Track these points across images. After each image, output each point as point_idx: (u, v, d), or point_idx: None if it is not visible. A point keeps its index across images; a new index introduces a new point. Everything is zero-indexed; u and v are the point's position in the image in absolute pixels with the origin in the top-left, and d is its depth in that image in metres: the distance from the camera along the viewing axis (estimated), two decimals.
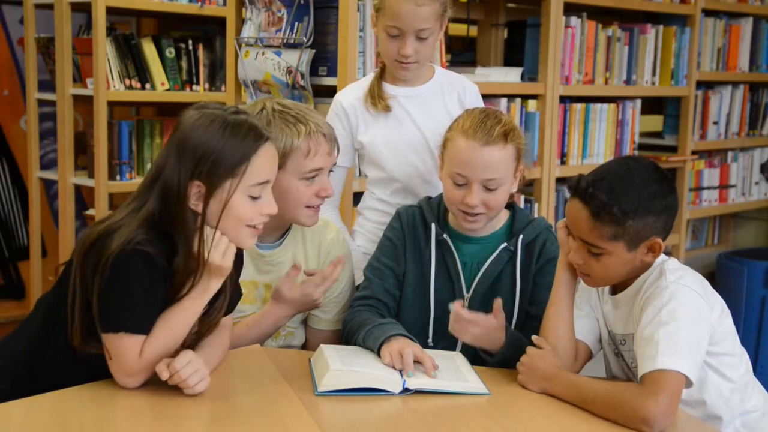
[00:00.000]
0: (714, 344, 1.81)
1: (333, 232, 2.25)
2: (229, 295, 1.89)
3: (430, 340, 2.16)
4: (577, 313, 1.96)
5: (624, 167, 1.84)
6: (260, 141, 1.74)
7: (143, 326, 1.72)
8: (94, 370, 1.75)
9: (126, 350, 1.70)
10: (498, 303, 1.98)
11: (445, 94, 2.43)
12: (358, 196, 2.67)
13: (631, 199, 1.77)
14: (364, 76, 2.67)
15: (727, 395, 1.85)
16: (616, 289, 1.93)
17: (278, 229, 2.14)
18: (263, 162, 1.75)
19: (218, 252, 1.74)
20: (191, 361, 1.70)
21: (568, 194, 1.88)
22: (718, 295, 1.87)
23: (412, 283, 2.17)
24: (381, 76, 2.42)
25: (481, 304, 2.11)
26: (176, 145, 1.72)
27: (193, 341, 1.83)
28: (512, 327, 2.11)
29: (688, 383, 1.70)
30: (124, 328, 1.69)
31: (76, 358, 1.74)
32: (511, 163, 2.06)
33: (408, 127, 2.40)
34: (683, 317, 1.73)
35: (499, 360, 1.98)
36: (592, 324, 1.98)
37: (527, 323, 2.10)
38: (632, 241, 1.80)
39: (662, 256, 1.87)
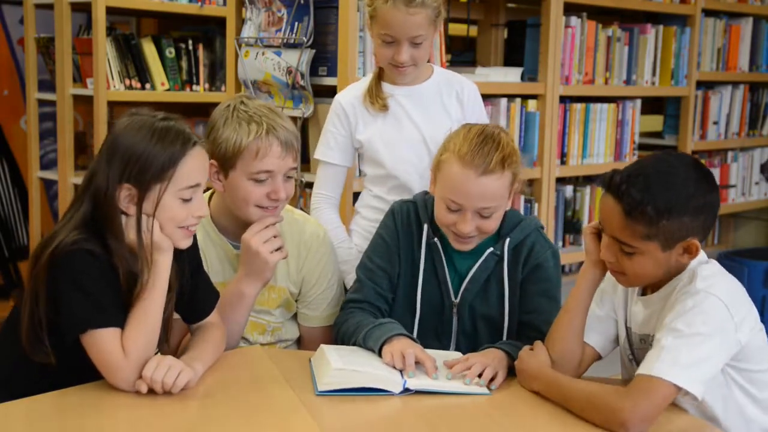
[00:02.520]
0: (742, 360, 1.73)
1: (313, 227, 2.24)
2: (202, 297, 1.96)
3: (417, 342, 2.13)
4: (596, 312, 1.91)
5: (662, 163, 1.74)
6: (188, 145, 1.77)
7: (109, 318, 1.72)
8: (54, 378, 1.76)
9: (103, 347, 1.71)
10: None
11: (443, 93, 2.43)
12: (358, 197, 2.67)
13: (666, 199, 1.68)
14: (364, 76, 2.68)
15: (749, 415, 1.78)
16: (645, 290, 1.86)
17: (246, 228, 2.09)
18: (192, 166, 1.78)
19: (155, 230, 1.77)
20: (159, 363, 1.72)
21: (601, 189, 1.79)
22: (752, 307, 1.77)
23: (402, 283, 2.14)
24: (380, 75, 2.43)
25: (469, 310, 2.09)
26: (106, 150, 1.77)
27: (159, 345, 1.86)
28: (505, 333, 2.08)
29: (693, 397, 1.65)
30: (89, 324, 1.71)
31: (33, 366, 1.76)
32: (506, 188, 1.99)
33: (406, 125, 2.41)
34: (700, 328, 1.66)
35: None
36: (607, 327, 1.93)
37: (522, 331, 2.06)
38: (667, 242, 1.71)
39: (701, 257, 1.79)
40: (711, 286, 1.71)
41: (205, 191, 2.20)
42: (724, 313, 1.68)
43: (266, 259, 2.04)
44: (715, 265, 1.80)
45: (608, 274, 1.88)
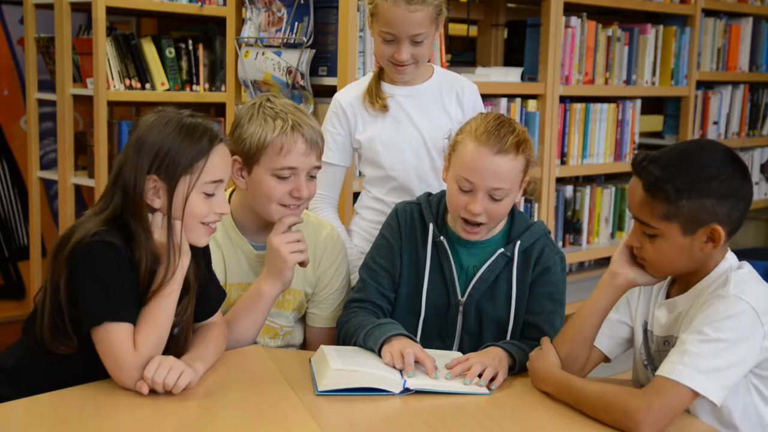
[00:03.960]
0: (765, 369, 1.70)
1: (328, 229, 2.25)
2: (209, 296, 1.95)
3: (417, 341, 2.13)
4: (610, 316, 1.88)
5: (692, 145, 1.74)
6: (215, 141, 1.80)
7: (124, 313, 1.73)
8: (56, 375, 1.76)
9: (116, 340, 1.71)
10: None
11: (443, 94, 2.43)
12: (357, 197, 2.67)
13: (686, 178, 1.65)
14: (364, 76, 2.68)
15: (767, 422, 1.75)
16: (670, 293, 1.84)
17: (266, 228, 2.12)
18: (218, 161, 1.81)
19: (176, 231, 1.79)
20: (160, 363, 1.72)
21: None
22: None
23: (406, 284, 2.15)
24: (379, 75, 2.42)
25: (475, 309, 2.10)
26: (134, 144, 1.79)
27: (174, 347, 1.85)
28: (509, 334, 2.09)
29: (711, 403, 1.63)
30: (105, 317, 1.71)
31: (54, 359, 1.76)
32: (519, 174, 2.01)
33: (405, 125, 2.40)
34: (727, 334, 1.62)
35: (519, 368, 1.95)
36: (619, 332, 1.91)
37: (526, 332, 2.07)
38: (687, 225, 1.68)
39: (733, 261, 1.77)
40: (743, 291, 1.67)
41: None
42: (754, 320, 1.65)
43: (285, 258, 2.05)
44: (747, 269, 1.76)
45: None
